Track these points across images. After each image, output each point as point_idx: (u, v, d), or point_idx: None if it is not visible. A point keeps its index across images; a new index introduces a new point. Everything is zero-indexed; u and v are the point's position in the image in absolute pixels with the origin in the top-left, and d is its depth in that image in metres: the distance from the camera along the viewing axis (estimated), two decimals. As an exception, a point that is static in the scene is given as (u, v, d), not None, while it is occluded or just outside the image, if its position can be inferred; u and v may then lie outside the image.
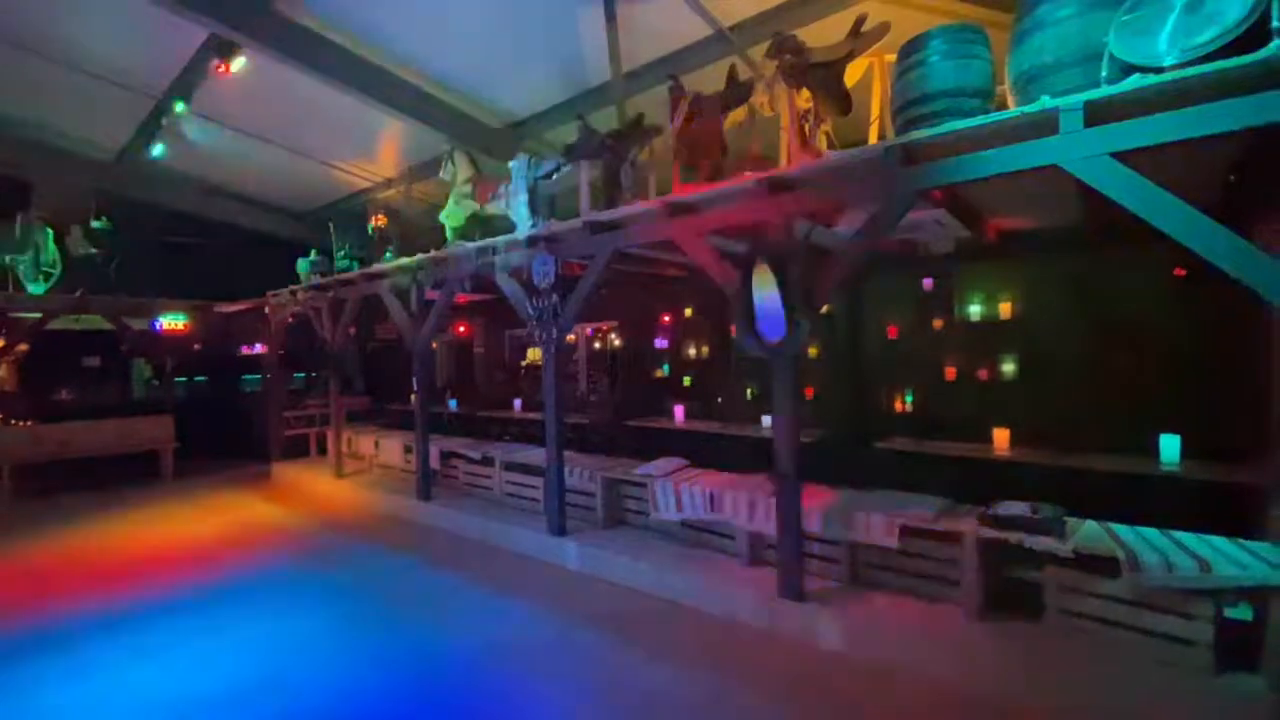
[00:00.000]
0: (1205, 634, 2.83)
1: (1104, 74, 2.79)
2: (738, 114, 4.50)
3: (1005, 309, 5.83)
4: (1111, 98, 2.68)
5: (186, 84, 7.06)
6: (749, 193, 3.85)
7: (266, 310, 9.25)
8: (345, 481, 7.74)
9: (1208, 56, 2.47)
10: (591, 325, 9.36)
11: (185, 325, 10.87)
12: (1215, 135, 2.51)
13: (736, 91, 4.23)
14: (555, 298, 4.99)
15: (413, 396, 7.10)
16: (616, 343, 9.06)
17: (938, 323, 6.27)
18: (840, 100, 3.72)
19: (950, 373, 6.09)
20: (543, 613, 4.17)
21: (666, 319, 8.48)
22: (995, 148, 3.01)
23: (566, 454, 5.93)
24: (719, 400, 7.81)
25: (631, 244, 4.55)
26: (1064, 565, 3.22)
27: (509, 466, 6.25)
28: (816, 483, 4.51)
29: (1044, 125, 2.86)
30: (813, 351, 7.15)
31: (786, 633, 3.73)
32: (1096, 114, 2.74)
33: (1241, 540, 3.09)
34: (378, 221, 8.23)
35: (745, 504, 4.30)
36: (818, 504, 4.03)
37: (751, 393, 7.61)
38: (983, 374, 5.94)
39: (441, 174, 6.23)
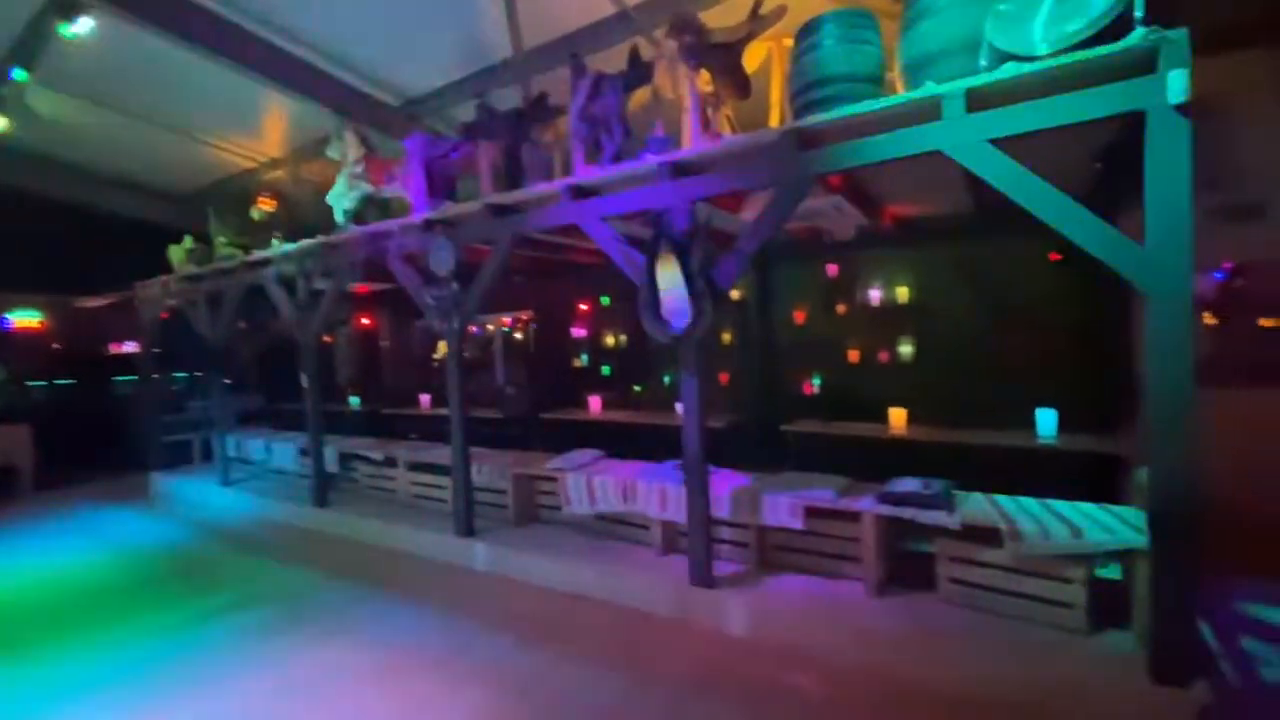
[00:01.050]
0: (1080, 596, 3.01)
1: (983, 62, 2.87)
2: (642, 96, 4.39)
3: (903, 293, 6.07)
4: (990, 85, 2.76)
5: (27, 49, 6.14)
6: (651, 176, 3.75)
7: (136, 304, 8.33)
8: (233, 490, 7.10)
9: (1077, 45, 2.58)
10: (510, 315, 9.05)
11: (40, 323, 9.66)
12: (1086, 122, 2.62)
13: (638, 72, 4.10)
14: (455, 286, 4.71)
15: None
16: (533, 332, 8.81)
17: (842, 308, 6.46)
18: (740, 83, 3.67)
19: (854, 356, 6.30)
20: (449, 619, 3.95)
21: (584, 307, 8.32)
22: (884, 133, 3.04)
23: (478, 451, 5.69)
24: (636, 389, 7.75)
25: (533, 228, 4.35)
26: (954, 538, 3.35)
27: (414, 467, 5.91)
28: (729, 468, 4.53)
29: (929, 111, 2.91)
30: (726, 337, 7.21)
31: (698, 621, 3.70)
32: (977, 101, 2.81)
33: (1109, 506, 3.33)
34: (262, 205, 7.58)
35: (657, 493, 4.24)
36: (727, 489, 4.02)
37: (669, 380, 7.60)
38: (884, 356, 6.17)
39: (329, 152, 5.76)
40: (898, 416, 5.15)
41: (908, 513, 3.41)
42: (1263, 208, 4.93)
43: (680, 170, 3.66)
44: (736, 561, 4.09)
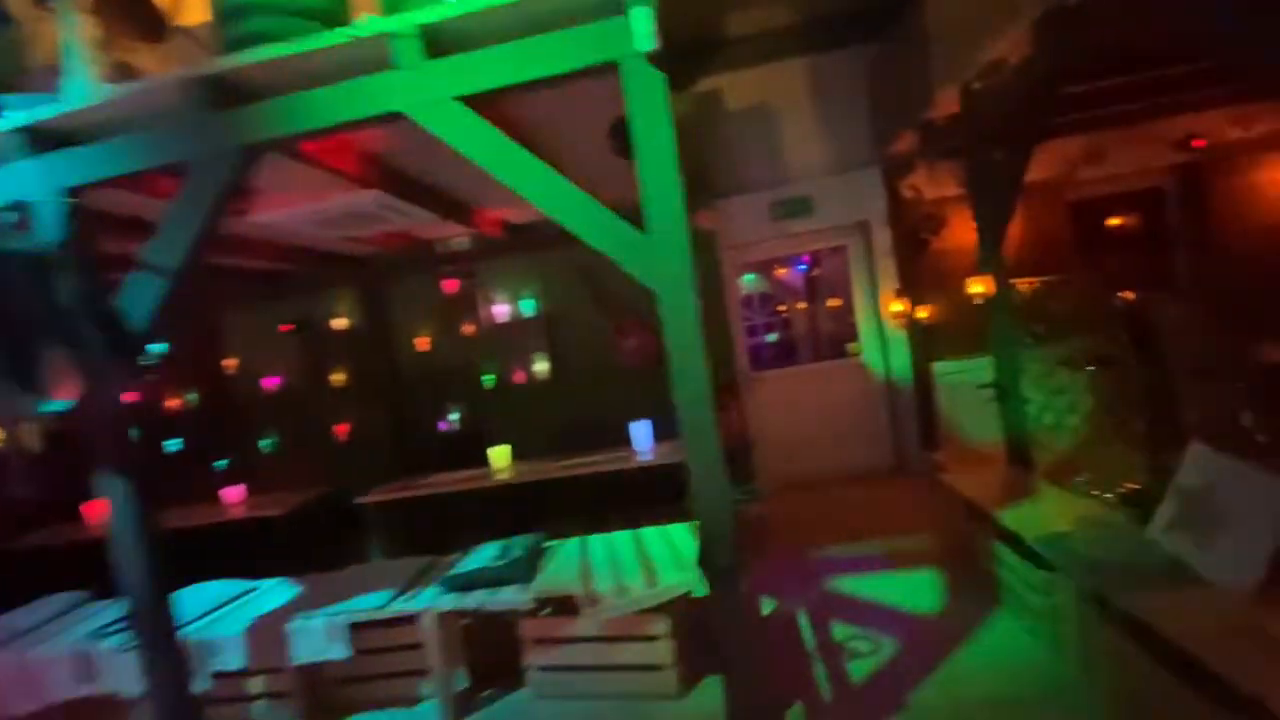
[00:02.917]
0: (666, 654, 2.50)
1: (449, -3, 2.14)
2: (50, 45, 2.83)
3: (530, 307, 5.47)
4: (449, 21, 2.02)
5: None
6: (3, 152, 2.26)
7: None
8: None
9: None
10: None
11: None
12: (563, 77, 2.05)
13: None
14: None
15: None
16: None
17: (469, 328, 5.61)
18: (139, 15, 2.42)
19: (486, 382, 5.49)
20: None
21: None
22: (332, 86, 2.13)
23: None
24: (217, 466, 5.77)
25: None
26: (536, 615, 2.62)
27: None
28: (281, 574, 3.23)
29: (382, 57, 2.08)
30: (339, 379, 5.80)
31: None
32: (437, 44, 2.06)
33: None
34: None
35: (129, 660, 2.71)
36: (246, 623, 2.73)
37: (270, 446, 5.84)
38: (520, 378, 5.49)
39: None
40: (500, 456, 4.38)
41: (473, 600, 2.57)
42: (809, 203, 5.53)
43: (45, 141, 2.25)
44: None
